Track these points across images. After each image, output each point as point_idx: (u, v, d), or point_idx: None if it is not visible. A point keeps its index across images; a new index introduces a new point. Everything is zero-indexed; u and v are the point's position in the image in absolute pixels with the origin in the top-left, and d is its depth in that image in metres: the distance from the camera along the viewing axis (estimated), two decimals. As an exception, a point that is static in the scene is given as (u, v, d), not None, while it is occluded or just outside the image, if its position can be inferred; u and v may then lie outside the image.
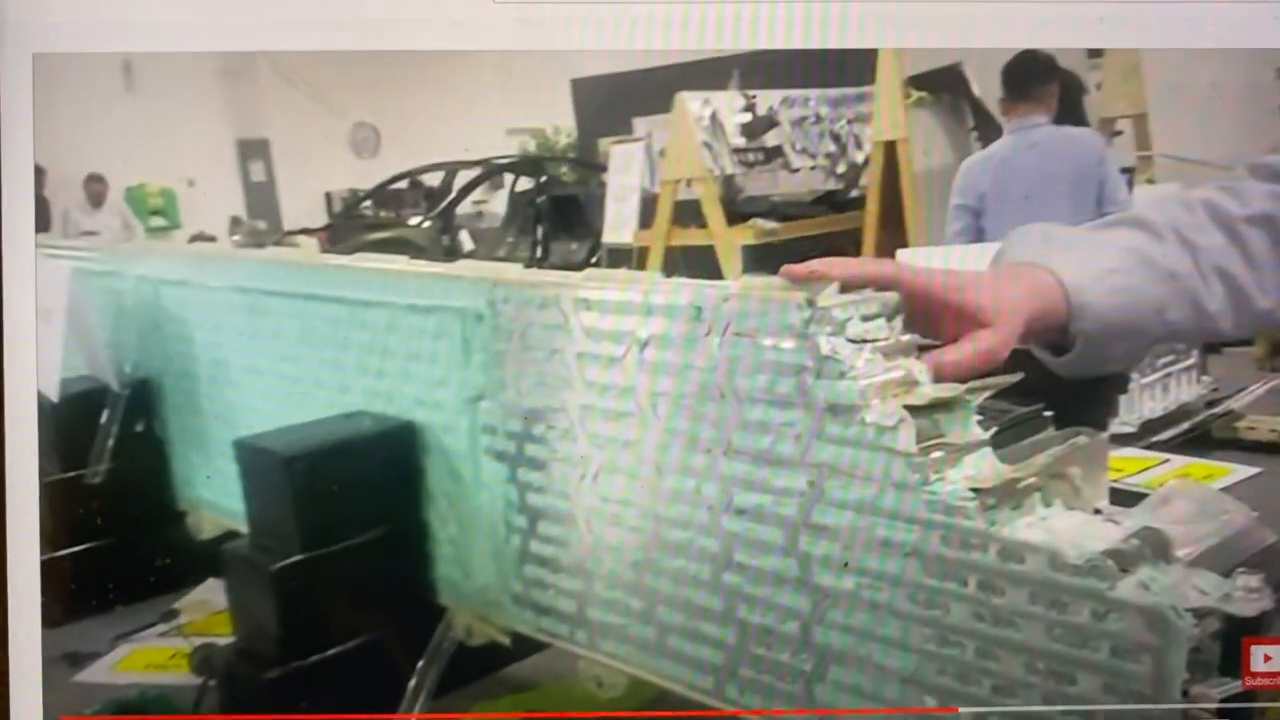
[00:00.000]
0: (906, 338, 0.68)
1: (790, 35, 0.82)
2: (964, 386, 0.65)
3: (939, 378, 0.65)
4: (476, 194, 3.30)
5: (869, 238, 2.98)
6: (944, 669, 0.64)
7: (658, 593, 0.75)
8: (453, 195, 3.21)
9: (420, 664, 0.88)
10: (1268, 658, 0.66)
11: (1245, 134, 3.19)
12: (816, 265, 0.65)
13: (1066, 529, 0.63)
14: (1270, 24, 0.81)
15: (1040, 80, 2.19)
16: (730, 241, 3.07)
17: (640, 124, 3.25)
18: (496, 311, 0.79)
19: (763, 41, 0.82)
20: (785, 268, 0.65)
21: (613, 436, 0.74)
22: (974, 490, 0.62)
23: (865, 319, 0.65)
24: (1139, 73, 2.71)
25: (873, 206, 2.94)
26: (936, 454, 0.64)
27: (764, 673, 0.71)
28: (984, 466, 0.64)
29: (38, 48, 0.76)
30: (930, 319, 0.69)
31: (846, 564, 0.66)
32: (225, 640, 0.91)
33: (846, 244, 3.01)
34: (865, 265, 0.67)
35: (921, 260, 1.77)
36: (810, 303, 0.64)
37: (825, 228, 3.21)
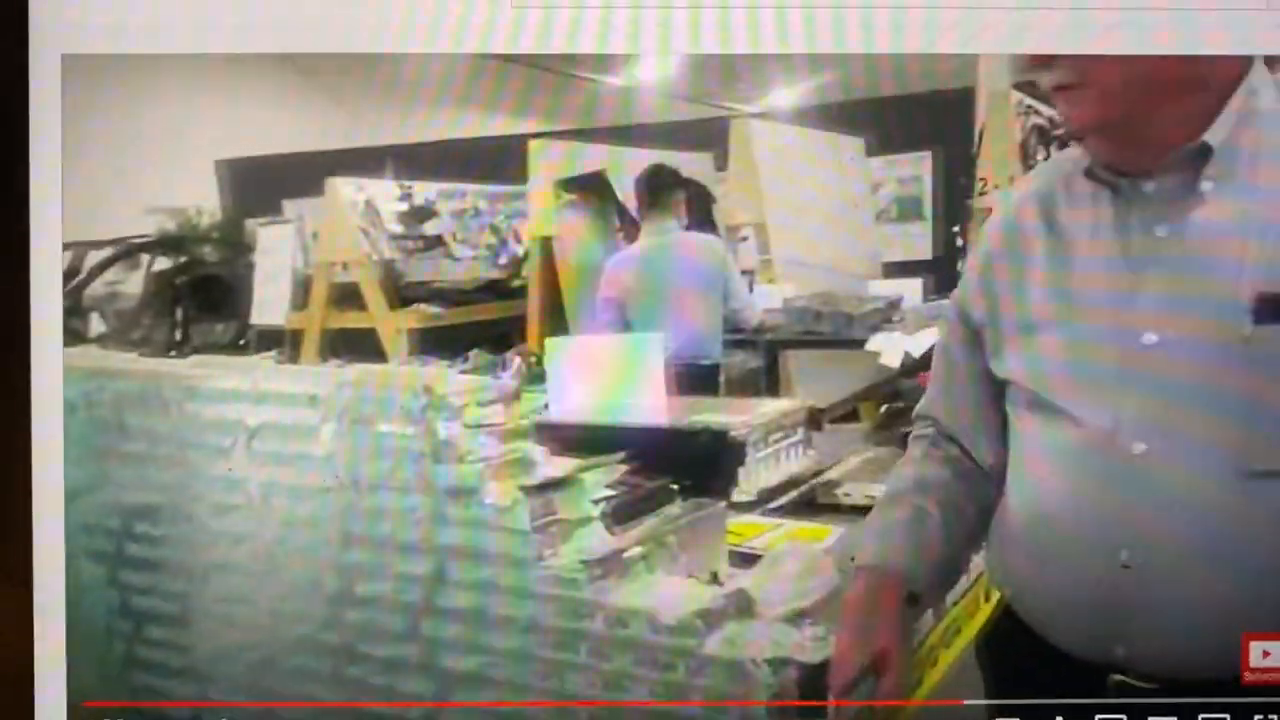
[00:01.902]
0: (526, 421, 0.72)
1: (803, 37, 0.82)
2: (575, 465, 0.70)
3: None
4: (110, 274, 3.02)
5: (533, 326, 3.08)
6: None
7: (277, 694, 0.71)
8: (82, 276, 2.91)
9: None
10: (1266, 654, 0.68)
11: (847, 241, 3.70)
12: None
13: (667, 593, 0.69)
14: (1266, 29, 0.81)
15: (668, 191, 2.43)
16: (394, 325, 3.04)
17: (290, 206, 3.16)
18: (92, 402, 0.74)
19: (781, 44, 0.82)
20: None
21: (223, 531, 0.70)
22: (584, 562, 0.66)
23: (483, 404, 0.69)
24: (758, 187, 3.06)
25: (534, 296, 3.05)
26: (551, 530, 0.68)
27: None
28: (593, 540, 0.69)
29: (66, 48, 0.76)
30: None
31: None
32: None
33: (511, 329, 3.08)
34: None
35: (575, 349, 1.87)
36: (427, 389, 0.66)
37: (490, 314, 3.27)
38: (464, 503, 0.66)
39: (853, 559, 0.87)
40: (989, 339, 0.83)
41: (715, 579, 0.94)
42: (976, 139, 3.01)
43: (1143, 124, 0.72)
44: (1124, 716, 0.73)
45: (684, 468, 1.22)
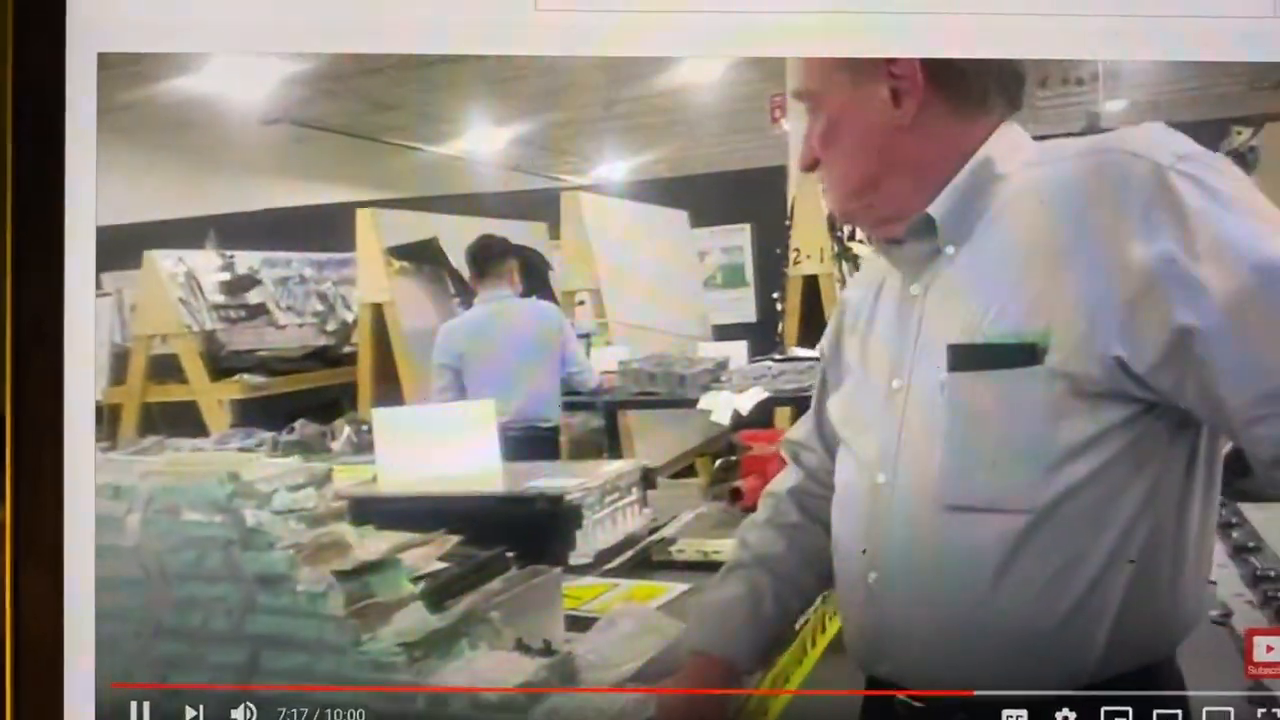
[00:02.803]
0: (337, 504, 0.72)
1: (824, 43, 0.80)
2: (389, 546, 0.71)
3: None
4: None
5: (363, 392, 3.03)
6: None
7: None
8: None
9: None
10: (1270, 648, 0.70)
11: (678, 305, 3.83)
12: None
13: (488, 668, 0.70)
14: (1267, 36, 0.81)
15: (498, 259, 2.46)
16: (214, 397, 2.93)
17: (107, 279, 3.02)
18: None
19: (786, 50, 0.82)
20: None
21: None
22: (403, 645, 0.67)
23: (292, 489, 0.68)
24: (591, 255, 3.14)
25: (365, 363, 3.01)
26: (368, 614, 0.68)
27: None
28: (413, 620, 0.69)
29: (102, 47, 0.77)
30: None
31: None
32: None
33: (342, 397, 3.02)
34: None
35: (404, 418, 1.85)
36: (233, 476, 0.66)
37: (318, 382, 3.20)
38: (275, 590, 0.65)
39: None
40: (829, 383, 0.90)
41: (548, 647, 0.95)
42: (789, 212, 3.19)
43: (881, 200, 0.80)
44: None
45: (519, 535, 1.22)
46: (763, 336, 3.40)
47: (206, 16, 0.79)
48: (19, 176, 0.77)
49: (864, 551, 0.79)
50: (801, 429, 0.96)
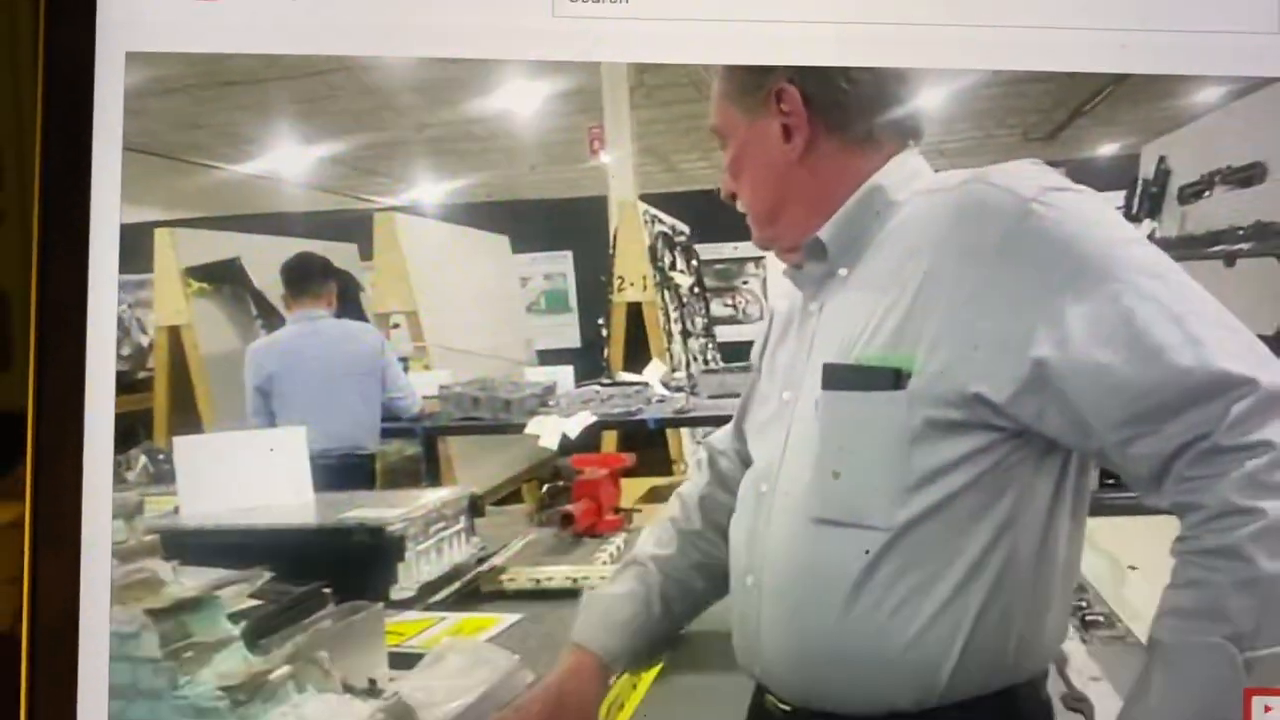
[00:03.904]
0: (149, 538, 0.65)
1: (833, 52, 0.81)
2: (211, 580, 0.64)
3: None
4: None
5: (159, 418, 2.83)
6: None
7: None
8: None
9: None
10: (1268, 709, 0.67)
11: (501, 330, 3.79)
12: None
13: (316, 713, 0.64)
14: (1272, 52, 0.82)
15: (318, 278, 2.34)
16: None
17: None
18: None
19: (802, 59, 0.80)
20: None
21: None
22: (224, 689, 0.61)
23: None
24: (407, 276, 3.06)
25: (161, 388, 2.81)
26: (186, 655, 0.62)
27: None
28: (234, 662, 0.63)
29: (131, 45, 0.79)
30: None
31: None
32: None
33: (136, 425, 2.81)
34: None
35: (207, 446, 1.71)
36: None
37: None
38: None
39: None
40: (754, 394, 0.91)
41: (374, 686, 0.89)
42: (612, 242, 3.24)
43: (783, 229, 0.82)
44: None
45: (337, 569, 1.16)
46: (588, 361, 3.41)
47: (232, 19, 0.80)
48: (46, 171, 0.80)
49: (745, 555, 0.80)
50: (723, 434, 0.97)
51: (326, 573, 1.05)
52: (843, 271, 0.79)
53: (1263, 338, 0.70)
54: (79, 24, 0.80)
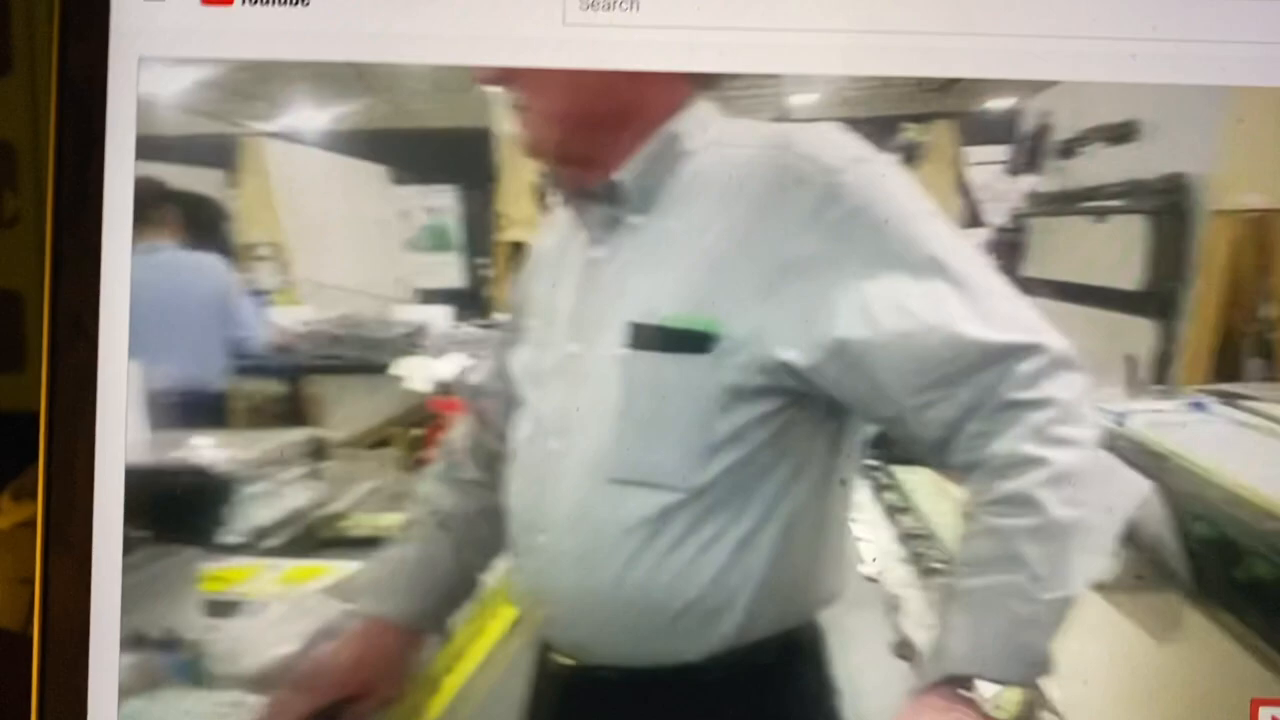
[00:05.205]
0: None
1: (843, 61, 0.80)
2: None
3: None
4: None
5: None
6: None
7: None
8: None
9: None
10: (1275, 718, 0.69)
11: (376, 266, 3.66)
12: None
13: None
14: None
15: (155, 206, 2.19)
16: None
17: None
18: None
19: (816, 68, 0.80)
20: None
21: None
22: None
23: None
24: (274, 205, 2.90)
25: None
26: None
27: None
28: None
29: (144, 51, 0.83)
30: None
31: None
32: None
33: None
34: None
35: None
36: None
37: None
38: None
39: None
40: (515, 333, 0.87)
41: (170, 635, 0.84)
42: (495, 177, 3.14)
43: (579, 154, 0.77)
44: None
45: (158, 511, 1.11)
46: (471, 302, 3.33)
47: (244, 24, 0.81)
48: (60, 177, 0.80)
49: (534, 514, 0.78)
50: (480, 374, 0.93)
51: (147, 514, 1.02)
52: (636, 218, 0.76)
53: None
54: (92, 30, 0.81)
